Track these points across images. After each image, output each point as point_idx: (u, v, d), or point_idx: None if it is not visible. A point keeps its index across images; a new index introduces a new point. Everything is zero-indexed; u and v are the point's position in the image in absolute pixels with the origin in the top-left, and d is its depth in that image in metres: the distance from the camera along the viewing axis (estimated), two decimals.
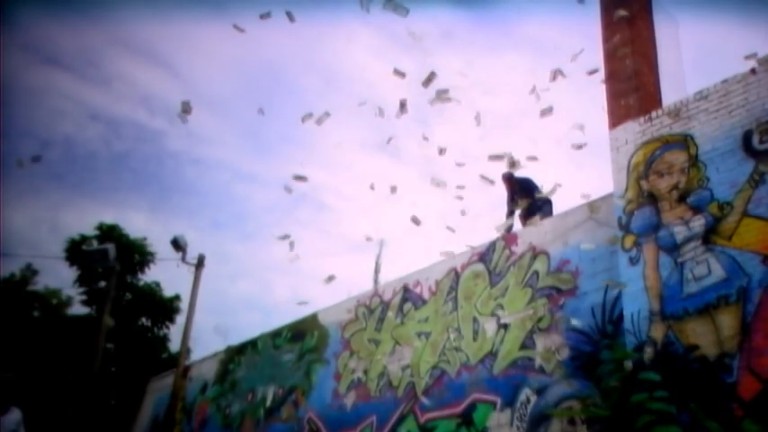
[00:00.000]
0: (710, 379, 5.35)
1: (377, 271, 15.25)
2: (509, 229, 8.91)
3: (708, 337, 5.53)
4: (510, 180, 9.61)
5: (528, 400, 7.13)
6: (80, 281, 20.34)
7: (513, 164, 6.96)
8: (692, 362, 5.54)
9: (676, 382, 5.54)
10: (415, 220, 7.52)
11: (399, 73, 6.73)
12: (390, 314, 9.71)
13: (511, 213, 9.70)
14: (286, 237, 8.04)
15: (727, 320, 5.45)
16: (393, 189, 7.29)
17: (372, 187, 7.54)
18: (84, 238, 19.92)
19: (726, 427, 5.07)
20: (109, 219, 21.41)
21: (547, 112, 6.82)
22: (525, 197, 9.37)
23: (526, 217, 9.32)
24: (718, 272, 5.70)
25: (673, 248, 6.12)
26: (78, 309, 20.89)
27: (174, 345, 20.43)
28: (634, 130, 7.00)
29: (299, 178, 7.78)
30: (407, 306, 9.48)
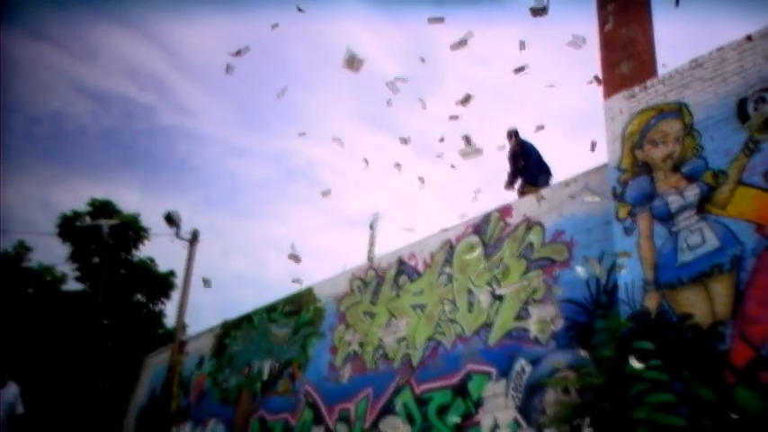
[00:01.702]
0: (704, 347, 5.39)
1: (372, 244, 15.24)
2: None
3: (701, 306, 5.55)
4: (515, 137, 9.60)
5: (523, 371, 7.18)
6: (73, 257, 20.31)
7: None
8: (685, 330, 5.58)
9: (670, 350, 5.58)
10: (421, 180, 7.45)
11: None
12: (386, 287, 9.73)
13: (514, 174, 9.65)
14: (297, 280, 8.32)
15: (721, 289, 5.47)
16: (397, 166, 7.23)
17: (366, 161, 7.47)
18: (76, 215, 19.84)
19: (718, 395, 5.12)
20: (100, 195, 21.29)
21: (520, 70, 6.75)
22: (526, 159, 9.38)
23: (525, 184, 9.33)
24: (712, 241, 5.71)
25: (667, 218, 6.12)
26: (73, 285, 20.89)
27: (170, 320, 20.52)
28: (629, 100, 6.94)
29: (294, 257, 7.88)
30: (402, 279, 9.49)
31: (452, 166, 7.30)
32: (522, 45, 6.62)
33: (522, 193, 9.29)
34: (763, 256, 5.31)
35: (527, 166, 9.40)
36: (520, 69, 6.77)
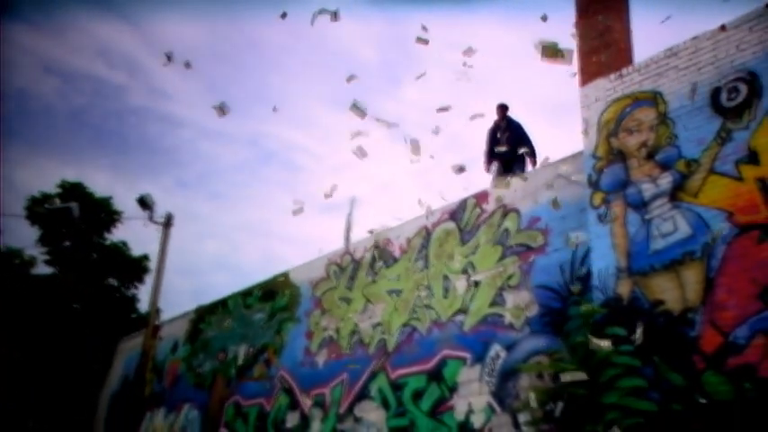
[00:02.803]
0: (674, 333, 5.48)
1: (348, 229, 15.20)
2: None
3: (673, 293, 5.64)
4: (504, 111, 9.49)
5: (497, 356, 7.25)
6: (42, 241, 19.91)
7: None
8: (656, 316, 5.66)
9: (641, 336, 5.66)
10: (361, 152, 7.37)
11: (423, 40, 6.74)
12: (362, 272, 9.72)
13: (489, 154, 9.58)
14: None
15: (692, 276, 5.56)
16: (362, 152, 7.21)
17: (363, 153, 7.35)
18: (45, 197, 19.43)
19: (688, 380, 5.23)
20: (69, 176, 20.81)
21: (443, 110, 7.00)
22: (510, 132, 9.31)
23: (505, 167, 9.30)
24: (683, 228, 5.78)
25: (640, 205, 6.18)
26: (42, 269, 20.50)
27: (144, 305, 20.29)
28: (605, 88, 6.97)
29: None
30: (379, 264, 9.49)
31: (431, 157, 7.30)
32: (470, 50, 6.82)
33: (501, 173, 9.30)
34: (733, 244, 5.40)
35: (508, 138, 9.27)
36: (443, 109, 7.04)
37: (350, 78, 6.94)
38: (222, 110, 6.79)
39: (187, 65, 7.00)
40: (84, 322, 18.95)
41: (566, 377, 5.61)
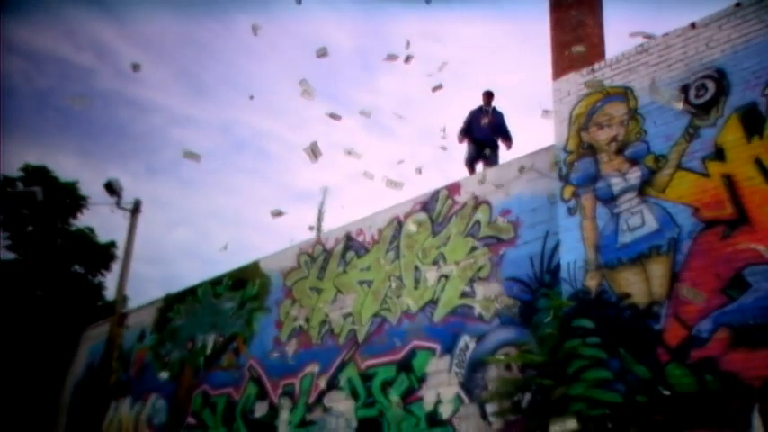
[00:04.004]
0: (640, 326, 5.57)
1: (320, 219, 15.13)
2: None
3: (639, 286, 5.73)
4: (489, 97, 9.60)
5: (467, 347, 7.29)
6: (4, 225, 19.39)
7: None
8: (623, 309, 5.75)
9: (608, 328, 5.75)
10: (314, 153, 7.41)
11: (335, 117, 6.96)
12: (333, 262, 9.68)
13: (465, 132, 9.64)
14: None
15: (658, 270, 5.66)
16: (314, 153, 7.21)
17: (355, 154, 7.34)
18: (7, 180, 18.91)
19: (652, 372, 5.33)
20: (34, 161, 20.24)
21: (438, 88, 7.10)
22: (491, 122, 9.41)
23: (477, 152, 9.42)
24: (651, 223, 5.87)
25: (610, 200, 6.26)
26: (3, 254, 19.97)
27: (111, 293, 19.92)
28: (577, 82, 7.02)
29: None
30: (350, 254, 9.46)
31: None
32: (408, 44, 6.97)
33: (472, 159, 9.43)
34: (698, 239, 5.50)
35: (490, 123, 9.43)
36: (437, 88, 7.14)
37: (320, 52, 6.84)
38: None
39: (135, 67, 6.96)
40: (48, 309, 18.55)
41: (555, 428, 5.59)
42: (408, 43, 7.34)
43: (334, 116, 7.16)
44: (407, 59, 7.20)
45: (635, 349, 5.51)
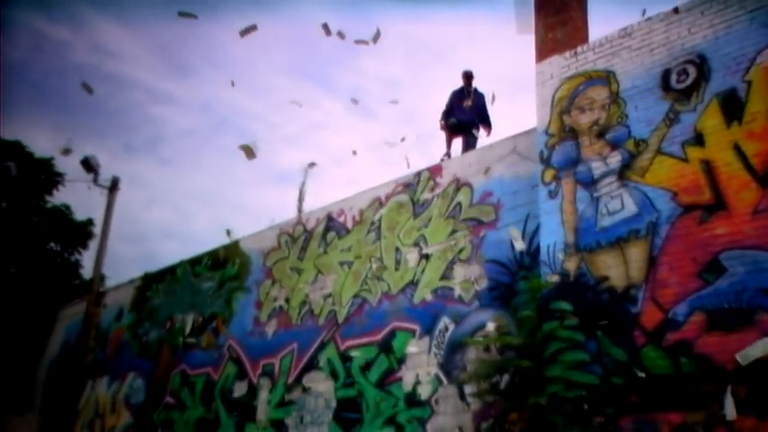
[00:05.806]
0: (617, 309, 5.64)
1: (301, 199, 15.04)
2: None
3: (617, 269, 5.79)
4: (468, 78, 9.61)
5: (446, 329, 7.34)
6: None
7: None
8: (601, 292, 5.81)
9: (586, 311, 5.81)
10: (250, 152, 7.40)
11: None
12: (313, 243, 9.65)
13: (448, 113, 9.67)
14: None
15: (636, 253, 5.71)
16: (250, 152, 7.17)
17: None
18: None
19: (628, 354, 5.40)
20: (7, 135, 19.76)
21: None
22: (473, 105, 9.47)
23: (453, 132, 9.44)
24: (630, 207, 5.92)
25: (590, 183, 6.28)
26: None
27: (88, 271, 19.68)
28: (560, 65, 7.01)
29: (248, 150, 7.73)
30: (331, 235, 9.43)
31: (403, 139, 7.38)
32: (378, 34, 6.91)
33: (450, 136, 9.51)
34: (676, 224, 5.56)
35: (471, 106, 9.49)
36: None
37: (324, 28, 6.81)
38: (250, 152, 6.66)
39: (87, 88, 6.99)
40: (23, 288, 18.30)
41: None
42: (378, 31, 7.29)
43: (296, 102, 7.34)
44: (375, 39, 7.14)
45: (612, 332, 5.58)
